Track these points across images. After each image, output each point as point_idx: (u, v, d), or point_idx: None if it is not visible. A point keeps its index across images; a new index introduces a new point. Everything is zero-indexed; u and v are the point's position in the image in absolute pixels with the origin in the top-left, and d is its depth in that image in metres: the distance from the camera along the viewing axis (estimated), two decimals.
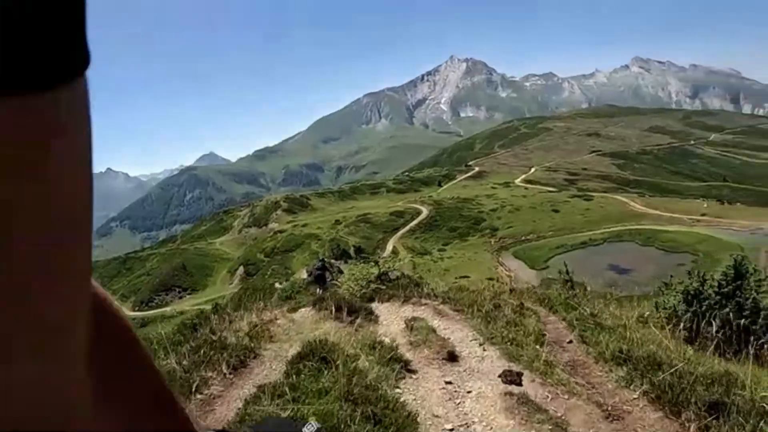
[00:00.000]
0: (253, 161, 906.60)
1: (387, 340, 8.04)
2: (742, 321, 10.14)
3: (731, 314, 10.19)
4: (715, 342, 9.47)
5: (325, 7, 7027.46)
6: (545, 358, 7.17)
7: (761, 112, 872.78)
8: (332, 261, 44.40)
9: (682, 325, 10.34)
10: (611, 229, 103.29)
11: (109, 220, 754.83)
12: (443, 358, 7.46)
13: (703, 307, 10.71)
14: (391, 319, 10.30)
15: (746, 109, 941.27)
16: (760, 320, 10.25)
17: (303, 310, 10.60)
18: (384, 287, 15.73)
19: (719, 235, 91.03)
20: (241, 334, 7.91)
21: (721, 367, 6.77)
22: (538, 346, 7.79)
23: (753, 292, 10.83)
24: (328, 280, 36.80)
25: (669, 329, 9.93)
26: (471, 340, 8.47)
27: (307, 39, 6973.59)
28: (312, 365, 6.13)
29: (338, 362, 6.09)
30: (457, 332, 8.97)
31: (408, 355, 7.42)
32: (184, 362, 6.60)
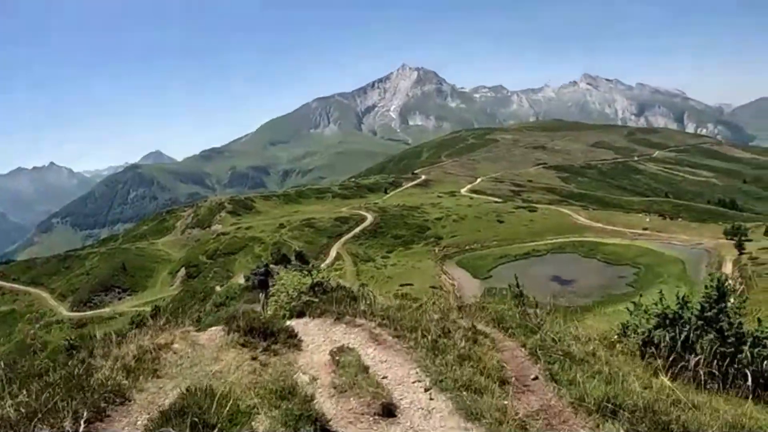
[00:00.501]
0: (200, 161, 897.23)
1: (305, 379, 6.23)
2: (726, 349, 8.81)
3: (715, 342, 8.81)
4: (701, 373, 8.12)
5: (279, 9, 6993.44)
6: (516, 416, 5.37)
7: (704, 131, 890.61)
8: (272, 266, 42.56)
9: (658, 352, 8.83)
10: (554, 240, 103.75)
11: (51, 216, 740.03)
12: (376, 413, 5.59)
13: (683, 334, 9.24)
14: (318, 343, 8.51)
15: (690, 128, 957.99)
16: (745, 348, 8.90)
17: (212, 330, 8.74)
18: (317, 300, 13.96)
19: (660, 249, 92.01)
20: (118, 365, 6.03)
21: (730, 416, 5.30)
22: (504, 400, 5.92)
23: (737, 316, 9.46)
24: (271, 285, 34.45)
25: (640, 355, 8.72)
26: (414, 382, 6.62)
27: (259, 41, 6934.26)
28: None
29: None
30: (397, 368, 7.08)
31: (328, 407, 5.56)
32: (22, 408, 4.74)
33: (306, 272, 17.74)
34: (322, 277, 16.87)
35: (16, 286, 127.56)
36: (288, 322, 11.65)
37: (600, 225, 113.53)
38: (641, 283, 77.74)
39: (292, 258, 64.53)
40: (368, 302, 12.49)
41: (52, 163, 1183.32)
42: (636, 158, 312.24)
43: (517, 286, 13.74)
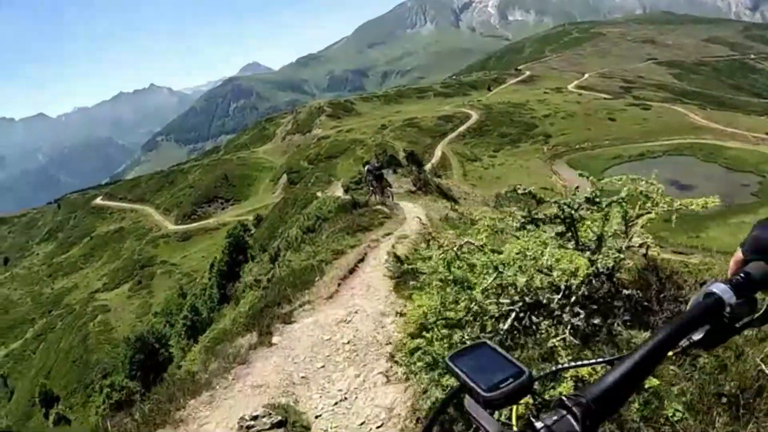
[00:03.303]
0: (297, 68, 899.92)
1: None
2: None
3: None
4: None
5: None
6: None
7: None
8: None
9: None
10: (670, 141, 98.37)
11: (155, 135, 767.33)
12: None
13: None
14: None
15: None
16: None
17: None
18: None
19: None
20: None
21: None
22: None
23: None
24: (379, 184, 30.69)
25: None
26: None
27: None
28: None
29: None
30: None
31: None
32: None
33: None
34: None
35: (122, 204, 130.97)
36: None
37: (719, 126, 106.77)
38: (766, 192, 73.25)
39: (402, 159, 60.56)
40: None
41: (152, 85, 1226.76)
42: (753, 56, 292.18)
43: None
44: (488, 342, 1.14)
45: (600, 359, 1.20)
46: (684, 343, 1.25)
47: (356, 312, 10.26)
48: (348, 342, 9.15)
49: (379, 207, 23.70)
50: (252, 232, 66.05)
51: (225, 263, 45.62)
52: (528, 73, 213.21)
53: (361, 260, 13.98)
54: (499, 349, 1.11)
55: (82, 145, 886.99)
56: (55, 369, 69.63)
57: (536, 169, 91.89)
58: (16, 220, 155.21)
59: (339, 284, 12.25)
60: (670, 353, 1.22)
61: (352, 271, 13.18)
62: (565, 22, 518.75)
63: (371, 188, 27.98)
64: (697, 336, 1.26)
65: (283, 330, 10.09)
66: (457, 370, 1.08)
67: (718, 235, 52.69)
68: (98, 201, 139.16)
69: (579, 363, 1.21)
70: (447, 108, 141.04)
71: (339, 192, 37.39)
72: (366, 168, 30.20)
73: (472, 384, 1.04)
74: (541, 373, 1.17)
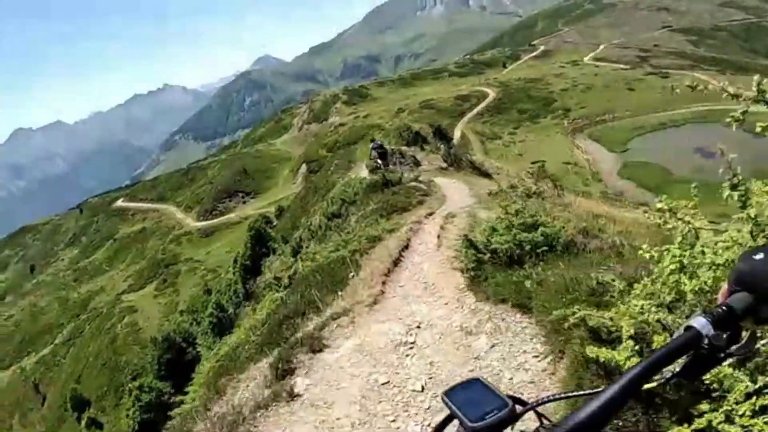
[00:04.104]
0: (310, 58, 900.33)
1: None
2: None
3: None
4: None
5: None
6: None
7: None
8: (402, 148, 38.63)
9: None
10: (692, 109, 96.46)
11: (173, 134, 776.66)
12: None
13: None
14: None
15: None
16: None
17: None
18: None
19: None
20: None
21: None
22: None
23: None
24: (391, 162, 31.21)
25: None
26: None
27: None
28: None
29: None
30: None
31: None
32: None
33: None
34: None
35: (144, 205, 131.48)
36: None
37: (741, 91, 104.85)
38: None
39: (428, 135, 59.52)
40: None
41: (165, 84, 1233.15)
42: None
43: None
44: (481, 378, 1.37)
45: (582, 392, 1.22)
46: (666, 374, 1.41)
47: (419, 327, 7.29)
48: (422, 389, 5.81)
49: (414, 184, 22.46)
50: (274, 224, 65.27)
51: (248, 257, 44.85)
52: (542, 48, 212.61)
53: (405, 247, 11.35)
54: (489, 384, 1.32)
55: (100, 149, 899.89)
56: (85, 373, 69.50)
57: (557, 144, 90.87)
58: (40, 228, 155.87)
59: (383, 282, 9.40)
60: (654, 384, 1.33)
61: (396, 262, 10.34)
62: None
63: (377, 165, 28.55)
64: (678, 368, 1.41)
65: (312, 366, 6.95)
66: (449, 402, 1.30)
67: None
68: (120, 203, 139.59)
69: (562, 395, 1.21)
70: (463, 87, 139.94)
71: (363, 173, 34.34)
72: (371, 146, 31.21)
73: (460, 415, 1.22)
74: (526, 407, 1.22)
